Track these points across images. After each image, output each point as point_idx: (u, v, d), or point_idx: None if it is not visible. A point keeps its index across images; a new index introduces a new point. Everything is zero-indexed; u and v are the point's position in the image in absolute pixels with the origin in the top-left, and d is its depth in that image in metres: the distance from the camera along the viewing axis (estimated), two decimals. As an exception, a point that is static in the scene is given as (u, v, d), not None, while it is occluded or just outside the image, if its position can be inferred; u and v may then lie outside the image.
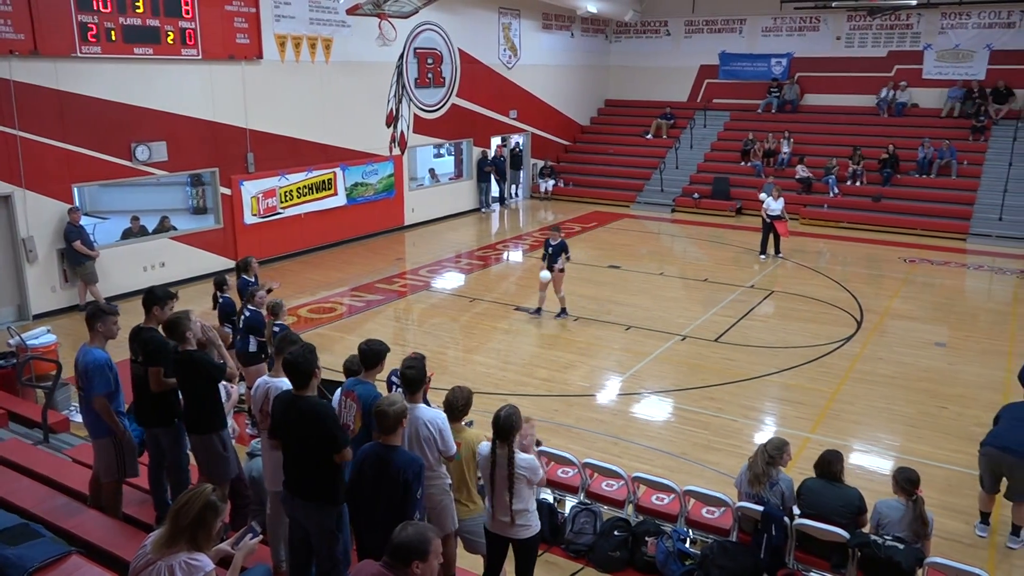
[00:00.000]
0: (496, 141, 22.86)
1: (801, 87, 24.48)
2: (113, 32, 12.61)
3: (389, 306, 13.69)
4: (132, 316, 6.67)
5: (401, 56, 18.55)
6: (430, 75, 19.69)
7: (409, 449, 4.93)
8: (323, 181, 16.99)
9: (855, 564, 5.58)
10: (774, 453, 5.99)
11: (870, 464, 8.10)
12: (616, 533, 6.30)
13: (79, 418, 6.45)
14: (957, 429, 8.83)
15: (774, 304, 13.74)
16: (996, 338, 11.95)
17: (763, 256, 16.81)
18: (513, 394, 9.66)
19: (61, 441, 7.58)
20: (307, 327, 12.09)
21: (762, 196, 16.95)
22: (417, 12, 16.15)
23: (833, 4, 21.12)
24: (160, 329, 5.58)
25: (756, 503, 5.90)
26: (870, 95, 23.35)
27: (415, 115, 19.43)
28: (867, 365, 10.79)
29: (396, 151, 18.94)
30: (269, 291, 9.08)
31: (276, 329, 8.22)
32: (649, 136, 25.40)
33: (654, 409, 9.59)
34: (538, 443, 5.75)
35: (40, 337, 9.13)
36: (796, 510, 5.94)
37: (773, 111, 24.51)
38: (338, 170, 17.32)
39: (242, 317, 8.65)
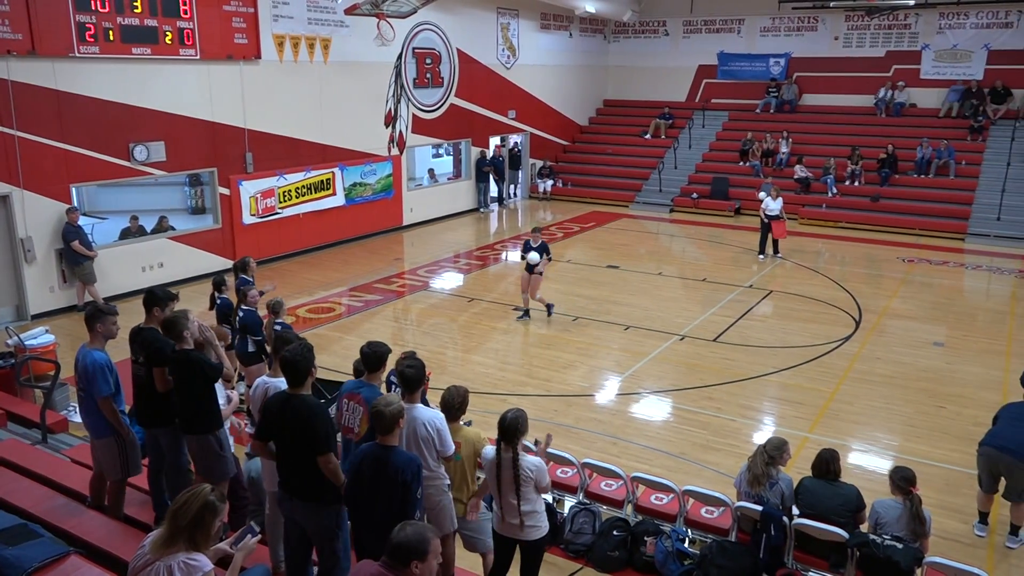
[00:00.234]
0: (495, 141, 22.86)
1: (799, 87, 24.50)
2: (111, 32, 12.60)
3: (388, 306, 13.69)
4: (130, 316, 6.67)
5: (399, 56, 18.55)
6: (428, 75, 19.69)
7: (407, 449, 4.92)
8: (321, 181, 16.98)
9: (854, 564, 5.59)
10: (774, 453, 5.99)
11: (869, 464, 8.11)
12: (615, 533, 6.30)
13: (78, 418, 6.44)
14: (955, 429, 8.84)
15: (773, 304, 13.75)
16: (994, 338, 11.97)
17: (762, 256, 16.82)
18: (512, 394, 9.67)
19: (59, 441, 7.57)
20: (306, 327, 12.08)
21: (761, 196, 16.96)
22: (415, 12, 16.16)
23: (831, 4, 21.13)
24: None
25: (756, 503, 5.90)
26: (868, 95, 23.37)
27: (414, 115, 19.43)
28: (865, 365, 10.80)
29: (395, 151, 18.93)
30: (262, 293, 9.09)
31: (277, 328, 8.23)
32: (648, 136, 25.41)
33: (653, 409, 9.59)
34: (537, 442, 5.73)
35: (38, 337, 9.12)
36: (795, 510, 5.95)
37: (771, 111, 24.52)
38: (336, 170, 17.31)
39: (237, 317, 8.65)
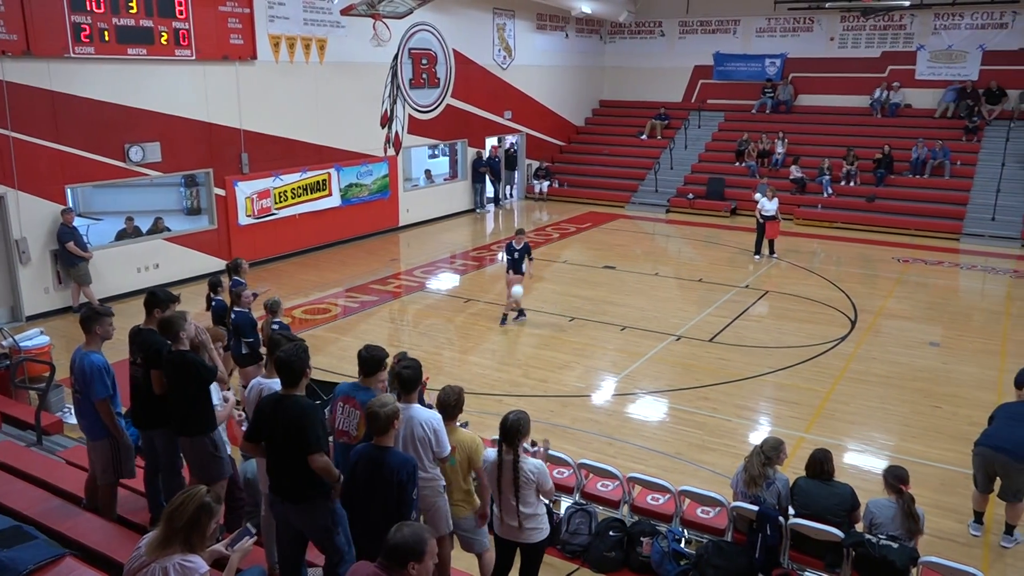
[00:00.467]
0: (491, 142, 22.85)
1: (795, 88, 24.54)
2: (106, 32, 12.57)
3: (384, 307, 13.68)
4: (125, 318, 6.66)
5: (395, 57, 18.54)
6: (425, 76, 19.68)
7: (404, 450, 4.92)
8: (317, 182, 16.97)
9: (849, 563, 5.60)
10: (770, 453, 6.00)
11: (864, 464, 8.12)
12: (611, 533, 6.31)
13: (72, 420, 6.43)
14: (951, 428, 8.86)
15: (768, 304, 13.77)
16: (989, 337, 12.00)
17: (757, 256, 16.84)
18: (509, 395, 9.67)
19: (54, 443, 7.55)
20: (302, 328, 12.06)
21: (757, 197, 16.99)
22: (411, 13, 16.14)
23: (827, 5, 21.19)
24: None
25: (753, 504, 5.91)
26: (864, 96, 23.41)
27: (410, 116, 19.42)
28: (861, 365, 10.82)
29: (391, 152, 18.92)
30: (255, 295, 9.08)
31: (275, 327, 8.22)
32: (644, 137, 25.42)
33: (649, 409, 9.59)
34: (533, 443, 5.74)
35: (33, 339, 9.11)
36: (791, 509, 5.96)
37: (767, 112, 24.56)
38: (332, 171, 17.30)
39: (230, 319, 8.64)
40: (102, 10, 12.44)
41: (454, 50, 20.52)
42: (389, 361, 5.71)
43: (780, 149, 22.51)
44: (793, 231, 19.29)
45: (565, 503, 6.81)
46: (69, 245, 12.34)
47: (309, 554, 4.97)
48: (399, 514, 4.36)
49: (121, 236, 14.33)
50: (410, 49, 19.05)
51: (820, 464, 6.01)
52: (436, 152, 24.98)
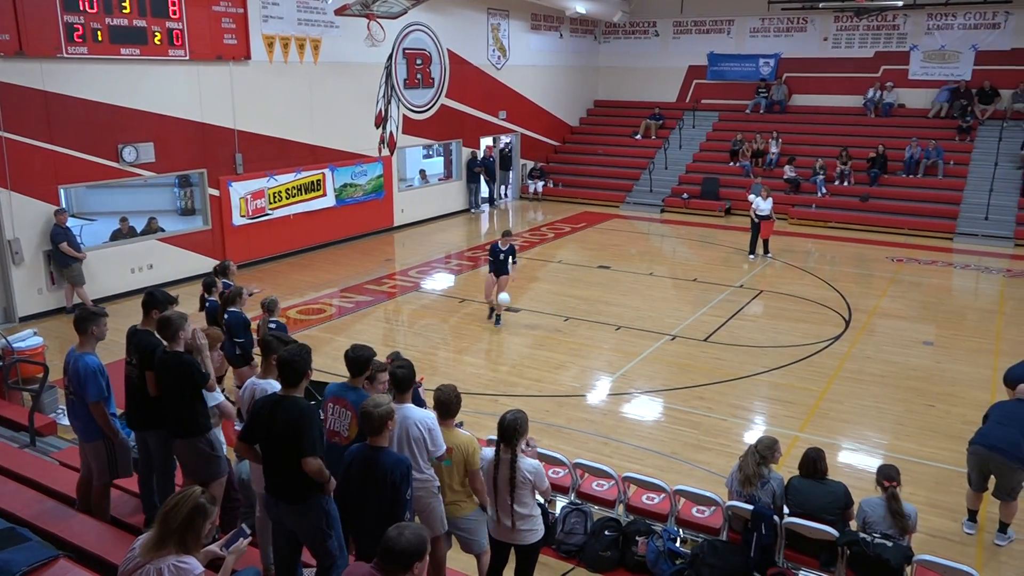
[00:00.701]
0: (486, 142, 22.85)
1: (789, 87, 24.59)
2: (99, 32, 12.53)
3: (379, 307, 13.66)
4: (120, 318, 6.65)
5: (390, 57, 18.52)
6: (419, 76, 19.66)
7: (399, 450, 4.91)
8: (312, 182, 16.94)
9: (844, 562, 5.61)
10: (765, 452, 6.02)
11: (859, 462, 8.13)
12: (607, 533, 6.31)
13: (66, 421, 6.40)
14: (945, 427, 8.89)
15: (763, 304, 13.80)
16: (983, 336, 12.04)
17: (752, 256, 16.87)
18: (504, 395, 9.67)
19: (48, 444, 7.52)
20: (296, 328, 12.03)
21: (751, 197, 17.02)
22: (406, 13, 16.12)
23: (820, 5, 21.21)
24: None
25: (747, 503, 5.92)
26: (857, 95, 23.47)
27: (404, 116, 19.41)
28: (855, 364, 10.85)
29: (385, 152, 18.90)
30: (251, 294, 9.07)
31: (272, 326, 8.21)
32: (638, 137, 25.45)
33: (644, 409, 9.60)
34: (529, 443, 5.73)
35: (27, 340, 9.05)
36: (786, 508, 5.97)
37: (761, 111, 24.60)
38: (327, 171, 17.27)
39: (224, 319, 8.62)
40: (95, 10, 12.40)
41: (448, 50, 20.50)
42: (384, 360, 5.70)
43: (774, 149, 22.55)
44: (787, 231, 19.33)
45: (560, 503, 6.82)
46: (62, 246, 12.30)
47: (304, 555, 4.95)
48: (393, 515, 4.35)
49: (116, 236, 14.29)
50: (404, 49, 19.03)
51: (814, 463, 6.03)
52: (431, 152, 24.97)
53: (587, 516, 6.52)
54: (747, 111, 24.88)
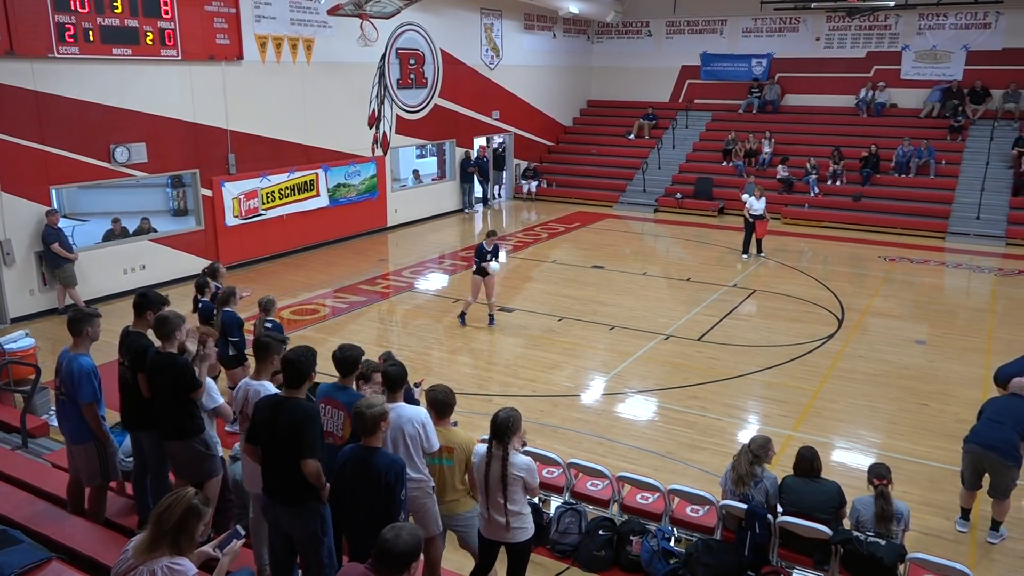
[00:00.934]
0: (479, 142, 22.84)
1: (782, 87, 24.66)
2: (91, 32, 12.47)
3: (372, 307, 13.64)
4: (112, 319, 6.62)
5: (383, 57, 18.50)
6: (412, 76, 19.64)
7: (394, 449, 4.91)
8: (305, 182, 16.90)
9: (838, 560, 5.63)
10: (758, 452, 6.02)
11: (852, 461, 8.15)
12: (601, 533, 6.32)
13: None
14: (937, 426, 8.92)
15: (756, 303, 13.83)
16: (975, 335, 12.09)
17: (745, 256, 16.90)
18: (498, 395, 9.66)
19: (40, 446, 7.49)
20: (290, 329, 11.98)
21: (744, 197, 17.06)
22: (399, 12, 16.11)
23: (812, 5, 21.29)
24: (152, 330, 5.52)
25: (741, 502, 5.93)
26: (850, 95, 23.55)
27: (397, 116, 19.38)
28: (848, 363, 10.88)
29: (379, 152, 18.88)
30: (241, 297, 9.04)
31: (268, 326, 8.18)
32: (631, 136, 25.48)
33: (639, 408, 9.61)
34: (523, 444, 5.73)
35: (18, 341, 9.01)
36: (780, 507, 5.99)
37: (754, 111, 24.67)
38: (320, 171, 17.24)
39: (217, 318, 8.60)
40: (86, 10, 12.34)
41: (442, 50, 20.49)
42: (376, 360, 5.69)
43: (767, 149, 22.61)
44: (780, 230, 19.37)
45: (555, 503, 6.82)
46: (54, 246, 12.24)
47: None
48: (387, 515, 4.34)
49: (108, 237, 14.23)
50: (397, 49, 19.01)
51: (808, 462, 6.04)
52: (424, 152, 24.95)
53: (582, 516, 6.53)
54: (740, 111, 24.94)
